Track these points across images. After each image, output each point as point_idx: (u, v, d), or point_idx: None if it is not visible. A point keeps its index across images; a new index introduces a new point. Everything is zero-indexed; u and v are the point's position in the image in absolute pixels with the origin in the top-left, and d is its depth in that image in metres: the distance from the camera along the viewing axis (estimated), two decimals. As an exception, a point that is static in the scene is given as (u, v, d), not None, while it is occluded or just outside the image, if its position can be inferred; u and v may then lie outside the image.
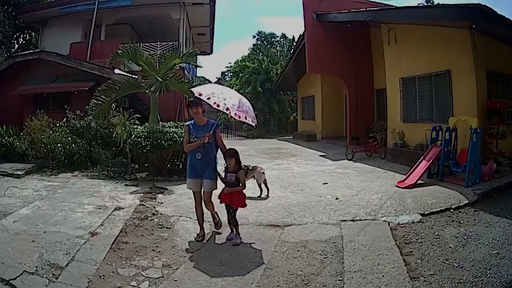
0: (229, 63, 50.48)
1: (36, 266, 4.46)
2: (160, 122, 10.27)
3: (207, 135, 5.24)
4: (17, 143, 11.44)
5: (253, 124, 5.55)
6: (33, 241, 5.23)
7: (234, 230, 5.52)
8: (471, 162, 7.90)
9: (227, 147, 5.54)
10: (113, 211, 6.77)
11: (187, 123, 5.67)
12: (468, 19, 8.52)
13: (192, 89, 5.80)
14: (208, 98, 5.23)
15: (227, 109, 5.18)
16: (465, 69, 9.48)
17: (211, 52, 29.82)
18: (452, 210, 6.54)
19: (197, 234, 5.65)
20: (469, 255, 4.73)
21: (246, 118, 5.33)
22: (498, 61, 9.68)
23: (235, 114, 5.24)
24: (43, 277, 4.25)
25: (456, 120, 8.78)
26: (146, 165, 10.31)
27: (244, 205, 5.49)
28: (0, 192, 7.94)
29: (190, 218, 6.43)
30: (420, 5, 26.46)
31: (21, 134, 11.92)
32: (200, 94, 5.29)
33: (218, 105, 5.18)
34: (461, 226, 5.82)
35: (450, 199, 7.06)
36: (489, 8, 7.81)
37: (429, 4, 29.64)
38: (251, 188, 7.97)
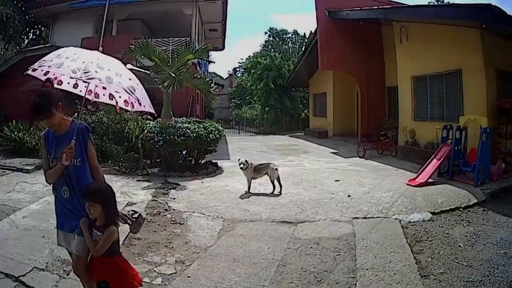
0: (241, 59, 50.70)
1: (47, 262, 4.40)
2: (173, 118, 10.33)
3: (65, 150, 2.94)
4: (27, 138, 11.38)
5: (129, 108, 3.66)
6: (43, 236, 5.15)
7: None
8: (481, 161, 7.92)
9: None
10: (125, 206, 6.69)
11: (44, 131, 3.22)
12: (478, 18, 8.54)
13: (29, 72, 3.19)
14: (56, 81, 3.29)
15: (111, 95, 3.54)
16: (475, 69, 9.48)
17: (223, 48, 29.95)
18: (461, 209, 6.58)
19: None
20: (477, 254, 4.77)
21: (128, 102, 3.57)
22: (508, 61, 9.64)
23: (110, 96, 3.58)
24: (53, 273, 4.21)
25: (467, 119, 8.78)
26: (158, 160, 10.35)
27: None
28: (10, 187, 7.85)
29: (203, 214, 6.51)
30: (432, 4, 26.31)
31: (31, 129, 11.82)
32: (52, 83, 3.15)
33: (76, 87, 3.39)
34: (470, 225, 5.87)
35: (459, 198, 7.10)
36: (499, 8, 7.87)
37: (440, 3, 29.47)
38: (263, 184, 8.11)
